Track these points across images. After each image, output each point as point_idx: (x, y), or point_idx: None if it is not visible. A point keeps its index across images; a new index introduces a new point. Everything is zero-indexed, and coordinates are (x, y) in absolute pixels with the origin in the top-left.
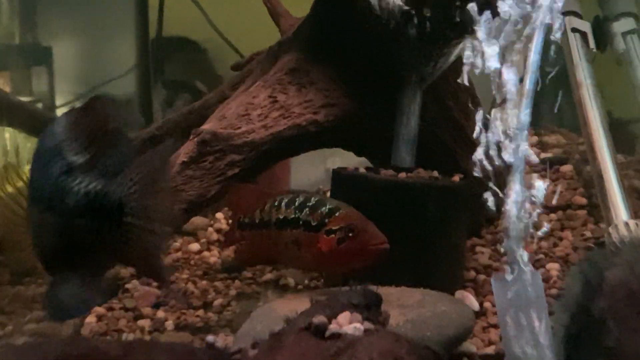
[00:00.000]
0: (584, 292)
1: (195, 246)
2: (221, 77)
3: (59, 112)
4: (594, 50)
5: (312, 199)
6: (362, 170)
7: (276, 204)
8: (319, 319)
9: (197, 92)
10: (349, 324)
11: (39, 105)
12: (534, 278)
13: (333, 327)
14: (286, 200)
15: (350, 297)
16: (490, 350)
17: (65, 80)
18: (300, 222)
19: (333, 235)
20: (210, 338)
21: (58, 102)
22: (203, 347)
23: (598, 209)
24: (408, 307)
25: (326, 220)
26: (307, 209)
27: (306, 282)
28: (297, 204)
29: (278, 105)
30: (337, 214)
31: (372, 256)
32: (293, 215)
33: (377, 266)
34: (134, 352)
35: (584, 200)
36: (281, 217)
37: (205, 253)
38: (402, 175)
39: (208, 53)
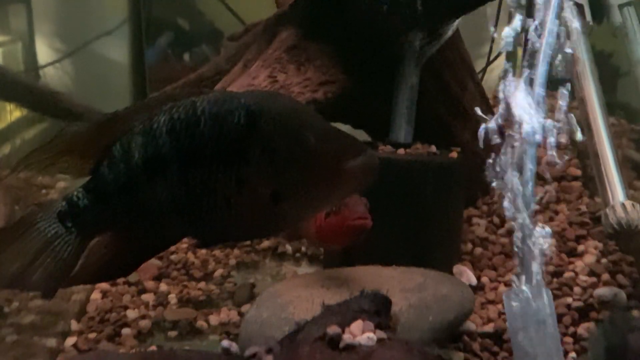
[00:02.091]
0: (607, 357)
1: None
2: (204, 15)
3: (39, 52)
4: (591, 22)
5: None
6: None
7: None
8: (333, 329)
9: (179, 30)
10: (361, 333)
11: (18, 44)
12: (545, 296)
13: (346, 337)
14: None
15: (360, 303)
16: (489, 328)
17: (46, 19)
18: None
19: None
20: (224, 343)
21: (38, 42)
22: (218, 353)
23: (593, 181)
24: (410, 291)
25: None
26: None
27: (303, 249)
28: None
29: (278, 85)
30: None
31: (352, 231)
32: None
33: (377, 243)
34: None
35: (578, 172)
36: None
37: None
38: (401, 151)
39: None
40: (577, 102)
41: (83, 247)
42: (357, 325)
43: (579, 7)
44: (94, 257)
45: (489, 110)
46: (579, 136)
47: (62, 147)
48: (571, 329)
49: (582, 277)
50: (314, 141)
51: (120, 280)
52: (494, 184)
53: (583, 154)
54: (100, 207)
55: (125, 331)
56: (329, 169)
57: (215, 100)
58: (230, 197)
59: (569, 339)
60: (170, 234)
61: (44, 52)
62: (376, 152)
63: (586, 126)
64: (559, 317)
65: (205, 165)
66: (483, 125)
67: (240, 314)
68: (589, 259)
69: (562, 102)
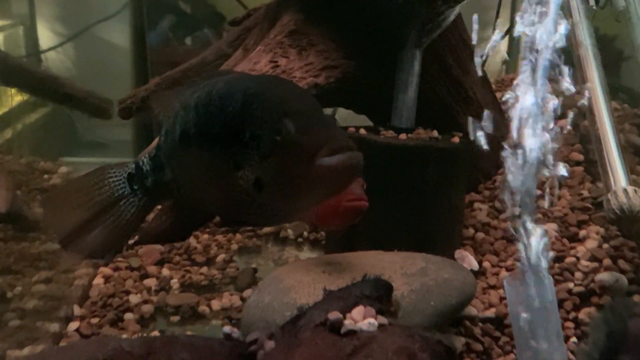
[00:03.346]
0: (608, 342)
1: None
2: None
3: (40, 36)
4: (594, 7)
5: None
6: (362, 131)
7: None
8: (334, 315)
9: (181, 14)
10: (363, 319)
11: (20, 28)
12: (547, 283)
13: (348, 322)
14: None
15: (362, 288)
16: (490, 313)
17: (47, 3)
18: None
19: None
20: (226, 329)
21: (39, 26)
22: (220, 338)
23: (595, 166)
24: (412, 275)
25: None
26: None
27: (305, 234)
28: None
29: (279, 70)
30: None
31: (349, 213)
32: None
33: (379, 228)
34: (156, 350)
35: (580, 157)
36: None
37: None
38: (402, 136)
39: None
40: (580, 86)
41: (146, 211)
42: (358, 311)
43: None
44: (156, 222)
45: (492, 94)
46: None
47: None
48: (572, 314)
49: (584, 262)
50: (293, 131)
51: (123, 265)
52: None
53: (585, 138)
54: (158, 175)
55: (128, 316)
56: (303, 162)
57: (228, 81)
58: (228, 179)
59: (570, 324)
60: (204, 207)
61: (45, 36)
62: (378, 135)
63: (588, 111)
64: (560, 302)
65: (212, 144)
66: None
67: (242, 299)
68: (591, 244)
69: None
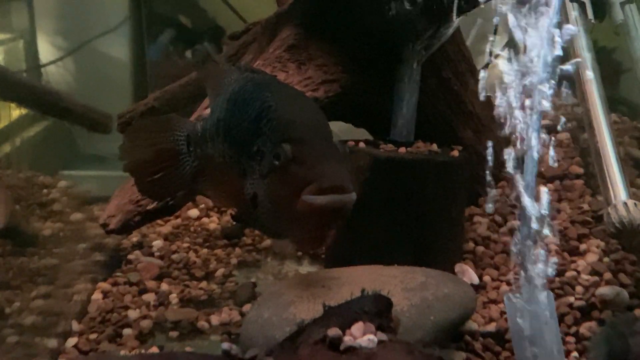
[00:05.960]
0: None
1: (194, 212)
2: (205, 12)
3: (41, 50)
4: (592, 20)
5: None
6: (361, 145)
7: None
8: (334, 332)
9: (180, 27)
10: (362, 335)
11: (20, 42)
12: (547, 298)
13: (347, 339)
14: None
15: (361, 304)
16: (491, 327)
17: (47, 17)
18: None
19: None
20: (225, 345)
21: (39, 40)
22: (219, 355)
23: (595, 179)
24: (411, 290)
25: None
26: None
27: None
28: None
29: None
30: None
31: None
32: None
33: (379, 242)
34: None
35: (580, 170)
36: None
37: (205, 219)
38: (402, 149)
39: None
40: (579, 99)
41: (195, 175)
42: (357, 327)
43: (581, 5)
44: None
45: (490, 107)
46: None
47: None
48: (573, 329)
49: (584, 276)
50: (290, 159)
51: (121, 280)
52: None
53: (585, 151)
54: (203, 146)
55: (127, 332)
56: (290, 194)
57: (256, 84)
58: (237, 182)
59: (571, 339)
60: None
61: (45, 50)
62: (377, 149)
63: (588, 124)
64: (561, 317)
65: (231, 142)
66: None
67: (242, 314)
68: (591, 257)
69: None
